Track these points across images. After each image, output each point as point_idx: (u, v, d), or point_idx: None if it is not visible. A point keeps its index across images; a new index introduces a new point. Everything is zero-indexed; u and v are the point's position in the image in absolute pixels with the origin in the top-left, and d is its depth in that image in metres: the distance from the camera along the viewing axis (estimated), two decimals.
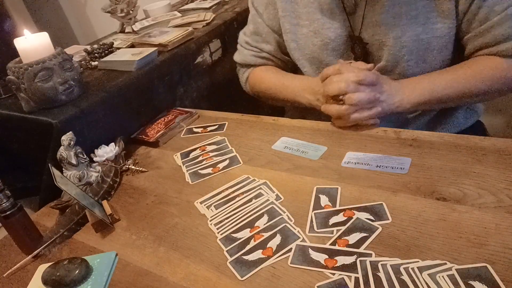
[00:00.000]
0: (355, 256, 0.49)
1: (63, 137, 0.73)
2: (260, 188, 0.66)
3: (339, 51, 0.85)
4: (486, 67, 0.74)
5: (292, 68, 0.98)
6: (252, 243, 0.55)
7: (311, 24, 0.85)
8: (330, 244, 0.52)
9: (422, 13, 0.74)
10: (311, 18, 0.85)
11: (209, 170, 0.74)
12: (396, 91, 0.75)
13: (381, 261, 0.48)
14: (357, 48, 0.83)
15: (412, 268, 0.46)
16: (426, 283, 0.44)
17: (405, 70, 0.79)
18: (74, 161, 0.74)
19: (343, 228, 0.54)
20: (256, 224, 0.58)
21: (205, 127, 0.90)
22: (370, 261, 0.48)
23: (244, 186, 0.68)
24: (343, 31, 0.83)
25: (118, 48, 1.10)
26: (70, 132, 0.74)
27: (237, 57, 1.03)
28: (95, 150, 0.82)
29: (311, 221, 0.56)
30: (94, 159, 0.81)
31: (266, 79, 0.96)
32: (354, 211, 0.56)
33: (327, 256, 0.50)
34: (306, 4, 0.86)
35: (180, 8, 1.41)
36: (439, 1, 0.73)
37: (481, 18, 0.72)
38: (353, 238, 0.52)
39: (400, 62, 0.78)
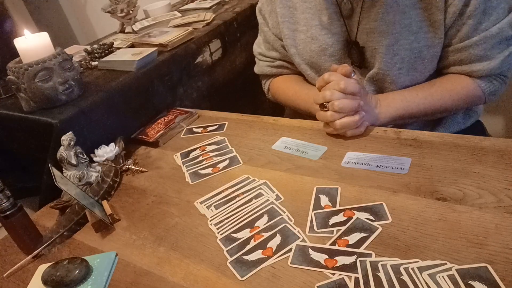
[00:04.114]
0: (355, 256, 0.49)
1: (63, 137, 0.73)
2: (260, 188, 0.66)
3: (336, 56, 0.86)
4: (457, 87, 0.79)
5: None
6: (252, 243, 0.55)
7: (308, 30, 0.86)
8: (330, 244, 0.52)
9: (415, 22, 0.75)
10: (308, 24, 0.86)
11: (209, 170, 0.74)
12: (375, 105, 0.78)
13: (381, 261, 0.48)
14: (354, 53, 0.83)
15: (412, 268, 0.46)
16: (426, 283, 0.44)
17: (396, 78, 0.80)
18: (74, 161, 0.74)
19: (343, 228, 0.54)
20: (256, 224, 0.58)
21: (205, 127, 0.90)
22: (370, 261, 0.48)
23: (244, 186, 0.68)
24: (340, 37, 0.84)
25: (118, 48, 1.10)
26: (70, 132, 0.74)
27: (255, 69, 1.06)
28: (95, 150, 0.82)
29: (311, 221, 0.56)
30: (94, 159, 0.81)
31: (284, 90, 0.98)
32: (354, 211, 0.56)
33: (327, 256, 0.50)
34: (304, 10, 0.86)
35: (180, 8, 1.41)
36: (431, 12, 0.74)
37: (462, 35, 0.74)
38: (353, 238, 0.52)
39: (392, 69, 0.79)
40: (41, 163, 0.78)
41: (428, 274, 0.45)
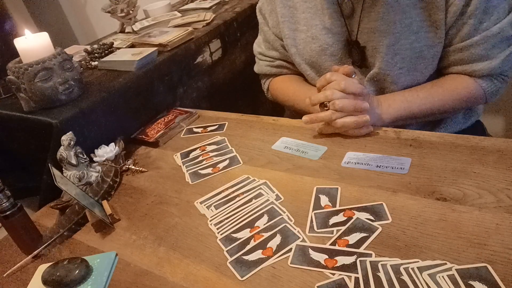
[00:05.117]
0: (355, 256, 0.49)
1: (63, 137, 0.73)
2: (260, 188, 0.66)
3: (337, 56, 0.86)
4: (458, 87, 0.79)
5: None
6: (252, 243, 0.55)
7: (309, 30, 0.86)
8: (330, 244, 0.52)
9: (416, 22, 0.75)
10: (309, 23, 0.86)
11: (209, 170, 0.74)
12: (376, 105, 0.78)
13: (381, 261, 0.48)
14: (355, 53, 0.83)
15: (412, 268, 0.46)
16: (426, 283, 0.44)
17: (397, 78, 0.80)
18: (74, 161, 0.74)
19: (343, 228, 0.54)
20: (256, 224, 0.58)
21: (205, 127, 0.90)
22: (370, 261, 0.48)
23: (244, 186, 0.68)
24: (341, 37, 0.84)
25: (118, 48, 1.10)
26: (70, 132, 0.74)
27: (255, 68, 1.06)
28: (95, 150, 0.82)
29: (311, 221, 0.56)
30: (94, 159, 0.81)
31: (283, 90, 0.98)
32: (354, 211, 0.56)
33: (327, 256, 0.50)
34: (304, 9, 0.86)
35: (180, 8, 1.41)
36: (432, 11, 0.74)
37: (463, 35, 0.74)
38: (353, 238, 0.52)
39: (392, 69, 0.79)
40: (41, 163, 0.78)
41: (428, 274, 0.45)
